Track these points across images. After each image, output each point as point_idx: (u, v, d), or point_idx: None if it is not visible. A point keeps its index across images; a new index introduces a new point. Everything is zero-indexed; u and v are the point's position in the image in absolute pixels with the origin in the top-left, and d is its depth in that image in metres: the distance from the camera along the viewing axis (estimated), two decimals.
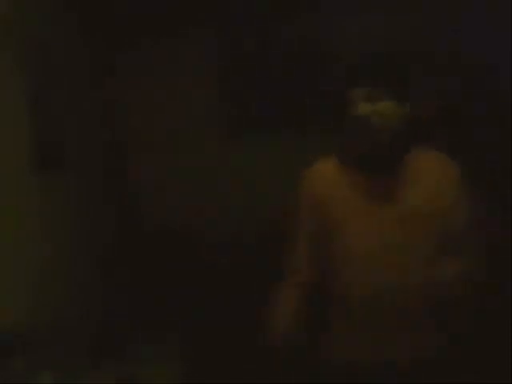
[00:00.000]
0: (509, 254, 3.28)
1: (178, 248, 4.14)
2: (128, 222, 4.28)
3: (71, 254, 3.40)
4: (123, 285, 3.89)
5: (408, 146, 1.98)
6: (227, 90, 4.30)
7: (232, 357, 3.45)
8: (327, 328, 2.03)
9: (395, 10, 3.93)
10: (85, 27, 3.85)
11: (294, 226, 2.11)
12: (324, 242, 2.00)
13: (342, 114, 1.99)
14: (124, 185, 4.34)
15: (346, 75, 2.06)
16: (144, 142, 4.37)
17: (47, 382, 2.32)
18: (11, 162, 2.77)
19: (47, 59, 3.22)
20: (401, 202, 1.92)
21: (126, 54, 4.26)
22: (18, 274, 2.74)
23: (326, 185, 2.01)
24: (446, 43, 3.94)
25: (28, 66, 2.98)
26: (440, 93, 3.94)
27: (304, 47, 4.17)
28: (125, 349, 3.04)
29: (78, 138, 3.61)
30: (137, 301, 3.74)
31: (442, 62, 3.95)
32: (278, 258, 3.92)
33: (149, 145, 4.37)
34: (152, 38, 4.21)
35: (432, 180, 1.95)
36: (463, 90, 3.91)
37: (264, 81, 4.25)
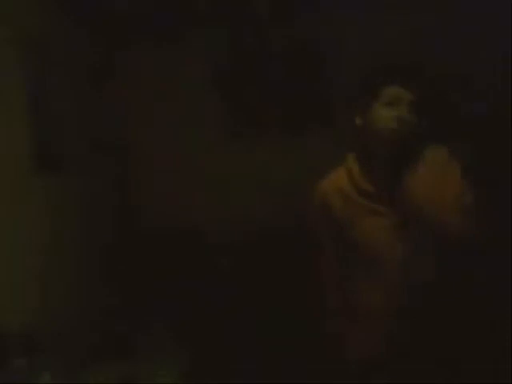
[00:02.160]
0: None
1: (178, 248, 4.14)
2: (128, 222, 4.28)
3: (71, 253, 3.39)
4: (123, 285, 3.89)
5: (421, 146, 1.97)
6: (227, 90, 4.30)
7: (232, 357, 3.45)
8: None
9: (395, 10, 3.93)
10: (85, 27, 3.85)
11: (318, 252, 2.10)
12: (344, 254, 2.02)
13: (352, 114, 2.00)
14: (124, 184, 4.34)
15: (367, 76, 2.08)
16: (144, 142, 4.36)
17: (47, 381, 2.32)
18: (11, 162, 2.77)
19: (47, 59, 3.22)
20: (409, 204, 1.92)
21: (125, 54, 4.26)
22: (18, 275, 2.74)
23: (342, 198, 2.01)
24: (445, 44, 3.94)
25: (28, 66, 2.98)
26: (440, 93, 3.93)
27: (304, 47, 4.17)
28: (125, 349, 3.04)
29: (77, 138, 3.61)
30: (137, 301, 3.74)
31: (442, 63, 3.95)
32: (277, 257, 3.92)
33: (149, 145, 4.37)
34: (152, 38, 4.21)
35: (437, 177, 1.95)
36: (463, 90, 3.91)
37: (264, 81, 4.24)
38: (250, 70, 4.27)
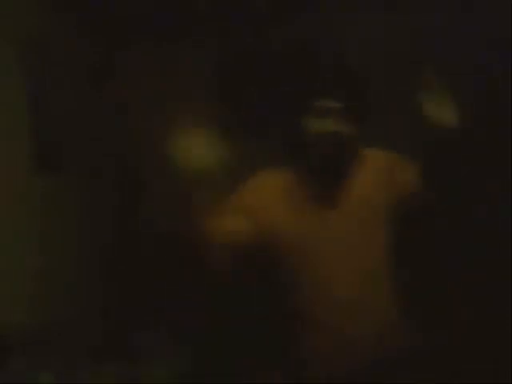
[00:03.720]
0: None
1: (178, 248, 4.13)
2: (128, 222, 4.28)
3: (71, 253, 3.39)
4: (123, 285, 3.89)
5: (356, 152, 1.97)
6: (227, 90, 4.30)
7: (232, 357, 3.45)
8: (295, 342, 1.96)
9: (395, 10, 3.93)
10: (85, 27, 3.85)
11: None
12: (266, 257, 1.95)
13: (294, 126, 2.00)
14: (124, 184, 4.33)
15: (304, 86, 2.08)
16: (144, 142, 4.36)
17: (47, 381, 2.32)
18: (11, 162, 2.77)
19: (47, 59, 3.22)
20: (349, 208, 1.91)
21: (125, 54, 4.26)
22: (17, 274, 2.74)
23: (274, 197, 1.96)
24: (445, 44, 3.94)
25: (28, 66, 2.98)
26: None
27: (304, 47, 4.17)
28: (125, 349, 3.04)
29: (77, 138, 3.61)
30: (137, 301, 3.74)
31: (442, 63, 3.95)
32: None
33: (149, 145, 4.36)
34: (152, 38, 4.20)
35: (378, 181, 1.96)
36: (462, 90, 3.90)
37: (264, 81, 4.24)
38: (250, 69, 4.27)
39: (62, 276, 3.21)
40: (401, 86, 3.93)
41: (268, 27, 4.16)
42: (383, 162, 2.00)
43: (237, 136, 4.29)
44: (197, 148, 1.90)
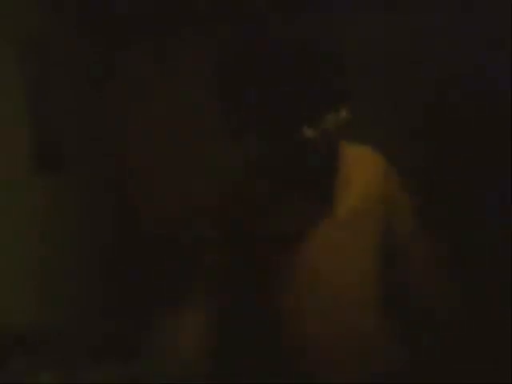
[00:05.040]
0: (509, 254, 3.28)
1: (178, 248, 4.14)
2: (128, 222, 4.28)
3: (71, 253, 3.40)
4: (123, 285, 3.88)
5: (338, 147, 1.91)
6: (227, 90, 4.29)
7: (231, 357, 3.44)
8: None
9: (395, 10, 3.93)
10: (85, 27, 3.85)
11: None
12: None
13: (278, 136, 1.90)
14: (124, 184, 4.33)
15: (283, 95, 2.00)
16: (144, 142, 4.36)
17: (47, 382, 2.32)
18: (11, 162, 2.77)
19: (47, 59, 3.22)
20: (339, 204, 1.83)
21: (125, 54, 4.26)
22: (17, 274, 2.74)
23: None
24: (445, 44, 3.94)
25: (28, 66, 2.98)
26: (439, 93, 3.93)
27: (304, 47, 4.16)
28: (125, 349, 3.04)
29: (77, 138, 3.61)
30: (137, 301, 3.74)
31: (442, 63, 3.95)
32: None
33: (149, 145, 4.36)
34: (152, 38, 4.21)
35: (364, 178, 1.88)
36: (462, 90, 3.91)
37: (264, 81, 4.24)
38: (250, 69, 4.26)
39: (62, 276, 3.21)
40: (400, 85, 3.94)
41: (268, 27, 4.16)
42: (372, 174, 1.89)
43: (238, 136, 4.30)
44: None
